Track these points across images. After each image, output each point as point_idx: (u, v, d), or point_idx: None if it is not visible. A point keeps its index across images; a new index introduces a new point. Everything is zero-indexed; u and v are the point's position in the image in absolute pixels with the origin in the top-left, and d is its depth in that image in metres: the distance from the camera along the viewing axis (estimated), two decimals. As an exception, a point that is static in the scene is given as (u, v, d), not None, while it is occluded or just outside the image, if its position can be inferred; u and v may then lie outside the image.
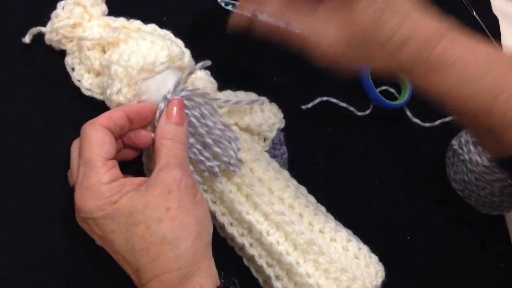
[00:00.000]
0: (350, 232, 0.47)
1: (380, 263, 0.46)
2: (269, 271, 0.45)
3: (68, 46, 0.47)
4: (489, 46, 0.43)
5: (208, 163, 0.44)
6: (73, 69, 0.47)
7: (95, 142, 0.40)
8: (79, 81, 0.47)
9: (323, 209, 0.48)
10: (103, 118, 0.41)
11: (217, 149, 0.44)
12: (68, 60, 0.47)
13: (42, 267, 0.47)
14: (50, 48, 0.48)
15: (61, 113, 0.50)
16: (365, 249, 0.46)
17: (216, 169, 0.44)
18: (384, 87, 0.56)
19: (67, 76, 0.47)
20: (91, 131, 0.41)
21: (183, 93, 0.44)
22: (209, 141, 0.44)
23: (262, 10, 0.43)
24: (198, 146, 0.44)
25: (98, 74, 0.46)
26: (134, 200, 0.39)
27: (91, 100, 0.47)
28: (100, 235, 0.40)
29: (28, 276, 0.47)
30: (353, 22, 0.41)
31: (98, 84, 0.46)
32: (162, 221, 0.39)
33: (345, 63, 0.43)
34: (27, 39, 0.48)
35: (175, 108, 0.43)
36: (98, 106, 0.47)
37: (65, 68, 0.47)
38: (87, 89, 0.47)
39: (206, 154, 0.44)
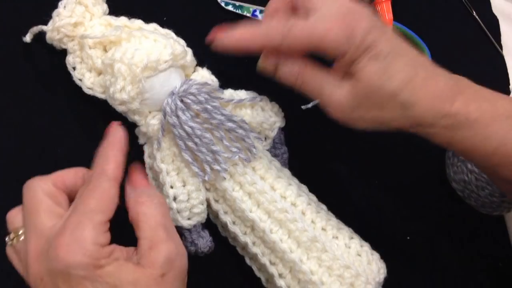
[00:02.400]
0: (351, 230, 0.47)
1: (382, 260, 0.47)
2: (272, 269, 0.45)
3: (69, 45, 0.47)
4: (508, 98, 0.42)
5: (224, 155, 0.44)
6: (74, 68, 0.47)
7: (105, 198, 0.36)
8: (80, 80, 0.47)
9: (324, 207, 0.48)
10: (115, 171, 0.38)
11: (235, 138, 0.45)
12: (69, 59, 0.47)
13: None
14: (51, 48, 0.48)
15: (61, 113, 0.50)
16: (367, 246, 0.46)
17: (236, 157, 0.45)
18: (384, 87, 0.56)
19: (68, 76, 0.47)
20: (104, 184, 0.37)
21: (192, 89, 0.44)
22: (222, 133, 0.45)
23: (281, 70, 0.44)
24: (209, 140, 0.44)
25: (99, 73, 0.46)
26: (122, 272, 0.34)
27: (92, 99, 0.47)
28: None
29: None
30: (359, 81, 0.40)
31: (100, 83, 0.46)
32: None
33: (356, 122, 0.43)
34: (27, 38, 0.48)
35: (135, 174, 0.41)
36: (99, 106, 0.47)
37: (65, 67, 0.47)
38: (89, 88, 0.46)
39: (216, 148, 0.44)
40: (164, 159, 0.45)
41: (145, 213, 0.38)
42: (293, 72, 0.43)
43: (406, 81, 0.40)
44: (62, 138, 0.50)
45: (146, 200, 0.38)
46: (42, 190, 0.38)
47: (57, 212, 0.37)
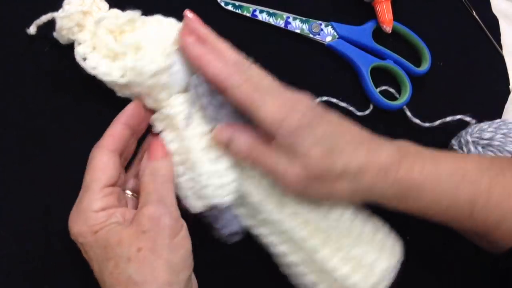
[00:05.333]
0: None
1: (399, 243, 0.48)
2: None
3: (79, 36, 0.46)
4: (450, 155, 0.44)
5: None
6: (84, 59, 0.45)
7: (97, 167, 0.41)
8: (94, 68, 0.44)
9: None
10: (107, 140, 0.42)
11: None
12: (79, 50, 0.45)
13: (41, 267, 0.47)
14: (51, 48, 0.48)
15: (61, 113, 0.50)
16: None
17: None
18: (384, 87, 0.56)
19: (68, 76, 0.47)
20: (96, 154, 0.42)
21: None
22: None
23: (233, 145, 0.43)
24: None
25: (114, 58, 0.45)
26: (110, 235, 0.39)
27: (93, 99, 0.47)
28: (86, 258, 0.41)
29: (26, 277, 0.47)
30: (308, 163, 0.41)
31: (118, 67, 0.44)
32: (130, 261, 0.38)
33: (311, 195, 0.44)
34: (31, 30, 0.48)
35: (155, 146, 0.44)
36: (99, 106, 0.47)
37: (66, 67, 0.47)
38: (106, 74, 0.44)
39: None
40: (195, 136, 0.44)
41: (145, 181, 0.42)
42: (244, 148, 0.43)
43: (351, 159, 0.41)
44: (62, 138, 0.49)
45: (150, 171, 0.42)
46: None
47: None
